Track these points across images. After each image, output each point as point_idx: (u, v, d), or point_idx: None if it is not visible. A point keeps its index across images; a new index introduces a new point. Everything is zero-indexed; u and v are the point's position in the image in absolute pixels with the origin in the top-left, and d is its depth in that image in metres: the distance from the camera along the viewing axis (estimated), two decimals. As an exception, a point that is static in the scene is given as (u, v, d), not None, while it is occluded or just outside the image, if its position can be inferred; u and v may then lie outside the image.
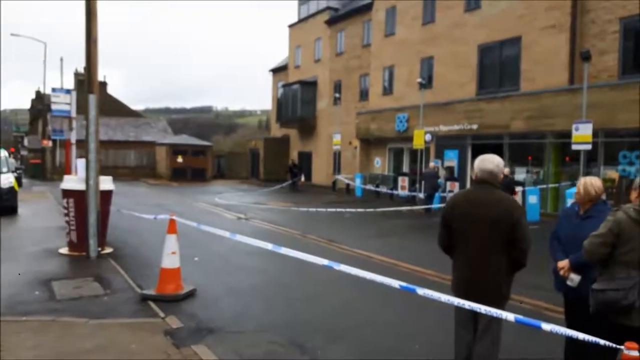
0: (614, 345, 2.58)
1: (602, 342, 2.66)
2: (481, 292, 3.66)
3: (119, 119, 44.23)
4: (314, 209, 16.06)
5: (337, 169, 28.94)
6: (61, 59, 31.70)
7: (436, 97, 22.02)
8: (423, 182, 18.06)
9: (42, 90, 46.05)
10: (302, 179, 30.76)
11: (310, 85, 33.72)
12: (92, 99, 8.58)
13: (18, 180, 19.39)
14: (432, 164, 18.42)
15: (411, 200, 20.42)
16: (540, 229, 13.20)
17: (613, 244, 3.33)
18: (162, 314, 5.65)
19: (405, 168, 24.63)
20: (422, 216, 15.99)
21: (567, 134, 15.04)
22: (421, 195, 18.07)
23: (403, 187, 22.07)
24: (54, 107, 15.76)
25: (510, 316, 3.19)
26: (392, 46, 25.55)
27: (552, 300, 5.81)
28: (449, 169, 21.15)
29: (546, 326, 2.92)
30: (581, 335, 2.78)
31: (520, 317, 3.14)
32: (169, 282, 6.32)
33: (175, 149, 38.81)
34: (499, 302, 3.61)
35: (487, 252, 3.67)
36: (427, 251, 10.54)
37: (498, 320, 3.59)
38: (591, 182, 3.93)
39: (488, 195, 3.73)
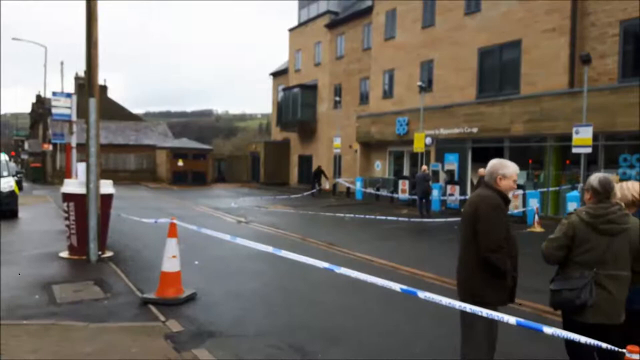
0: (617, 348, 2.58)
1: (603, 345, 2.65)
2: (460, 290, 3.71)
3: (119, 123, 44.29)
4: (314, 212, 16.04)
5: (337, 172, 28.95)
6: (62, 63, 31.80)
7: (436, 101, 22.05)
8: (416, 186, 18.02)
9: (42, 94, 46.19)
10: (327, 185, 29.26)
11: (310, 89, 33.79)
12: (93, 103, 8.59)
13: (18, 184, 19.46)
14: (424, 167, 18.40)
15: (412, 204, 20.41)
16: (541, 233, 13.21)
17: (568, 247, 3.42)
18: (162, 318, 5.64)
19: (406, 171, 24.63)
20: (422, 219, 15.97)
21: (568, 137, 15.05)
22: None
23: (403, 190, 22.09)
24: (54, 110, 15.78)
25: (511, 319, 3.18)
26: (392, 49, 25.60)
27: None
28: (450, 173, 21.15)
29: (548, 329, 2.91)
30: (583, 339, 2.77)
31: (521, 320, 3.13)
32: (170, 286, 6.31)
33: (175, 153, 38.83)
34: (473, 303, 3.39)
35: (461, 249, 3.71)
36: (426, 254, 10.56)
37: (479, 323, 3.46)
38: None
39: (472, 194, 3.82)
